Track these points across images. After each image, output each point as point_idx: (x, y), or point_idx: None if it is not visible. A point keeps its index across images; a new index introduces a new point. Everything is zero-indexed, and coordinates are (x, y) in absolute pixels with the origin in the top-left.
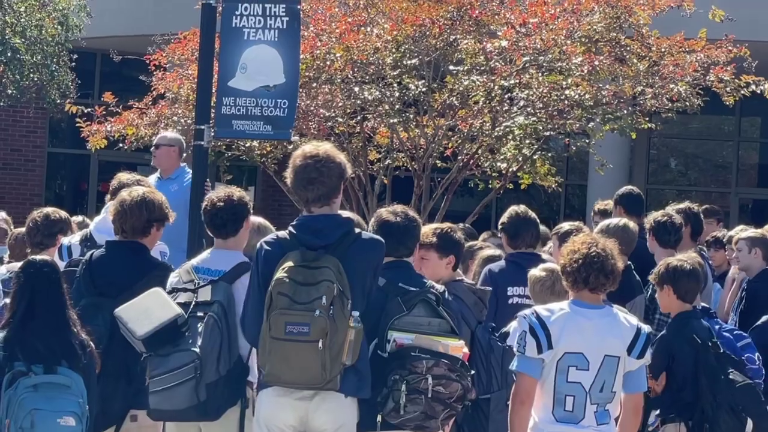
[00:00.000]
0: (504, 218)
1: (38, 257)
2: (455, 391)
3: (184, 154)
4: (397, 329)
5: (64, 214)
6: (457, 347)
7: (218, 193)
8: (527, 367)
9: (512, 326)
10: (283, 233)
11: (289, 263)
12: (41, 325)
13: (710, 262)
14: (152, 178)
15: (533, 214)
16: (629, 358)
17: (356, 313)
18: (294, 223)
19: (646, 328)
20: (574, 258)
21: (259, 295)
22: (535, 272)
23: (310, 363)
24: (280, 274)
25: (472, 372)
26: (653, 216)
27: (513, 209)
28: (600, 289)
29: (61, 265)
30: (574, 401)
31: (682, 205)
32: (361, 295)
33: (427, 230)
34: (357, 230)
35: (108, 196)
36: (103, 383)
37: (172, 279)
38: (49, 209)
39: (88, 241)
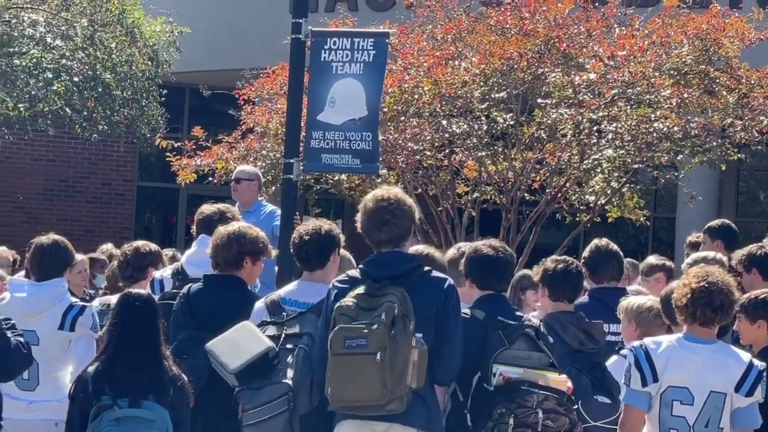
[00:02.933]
0: (586, 252)
1: (134, 291)
2: (563, 425)
3: (263, 189)
4: (503, 363)
5: (154, 247)
6: (561, 381)
7: (307, 225)
8: (633, 399)
9: (611, 361)
10: (353, 271)
11: (356, 291)
12: (130, 358)
13: None
14: None
15: (615, 247)
16: (737, 395)
17: (419, 335)
18: (365, 260)
19: (760, 365)
20: (684, 292)
21: (326, 331)
22: (641, 301)
23: (369, 377)
24: (345, 299)
25: (576, 406)
26: (749, 250)
27: (594, 243)
28: (709, 324)
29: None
30: None
31: None
32: (426, 325)
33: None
34: (427, 268)
35: (194, 228)
36: (205, 417)
37: (257, 307)
38: (139, 242)
39: (179, 275)
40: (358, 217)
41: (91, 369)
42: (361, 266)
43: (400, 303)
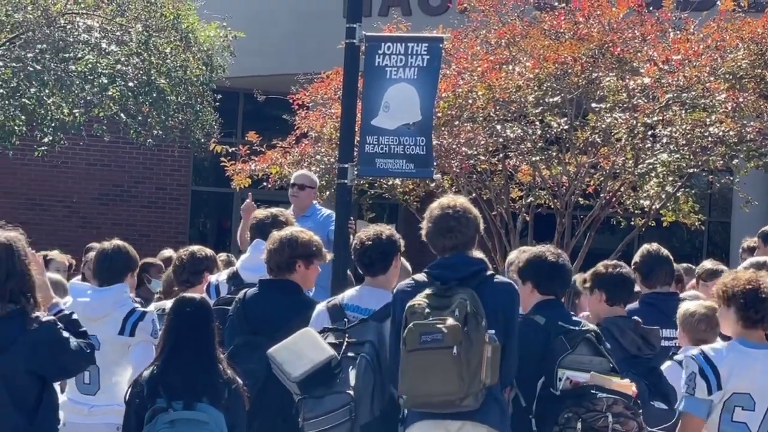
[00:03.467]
0: (636, 257)
1: (188, 295)
2: (631, 429)
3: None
4: (568, 367)
5: (209, 251)
6: (626, 385)
7: (368, 231)
8: (695, 408)
9: (665, 366)
10: (419, 276)
11: (425, 292)
12: (185, 362)
13: None
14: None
15: (666, 252)
16: None
17: (492, 331)
18: (429, 265)
19: None
20: (749, 297)
21: (397, 339)
22: (686, 306)
23: (447, 371)
24: (415, 298)
25: (641, 411)
26: None
27: (645, 247)
28: (754, 326)
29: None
30: None
31: None
32: (494, 327)
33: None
34: (490, 272)
35: (248, 234)
36: (261, 421)
37: (319, 310)
38: (195, 247)
39: (234, 279)
40: (423, 224)
41: (146, 373)
42: (426, 270)
43: (471, 302)
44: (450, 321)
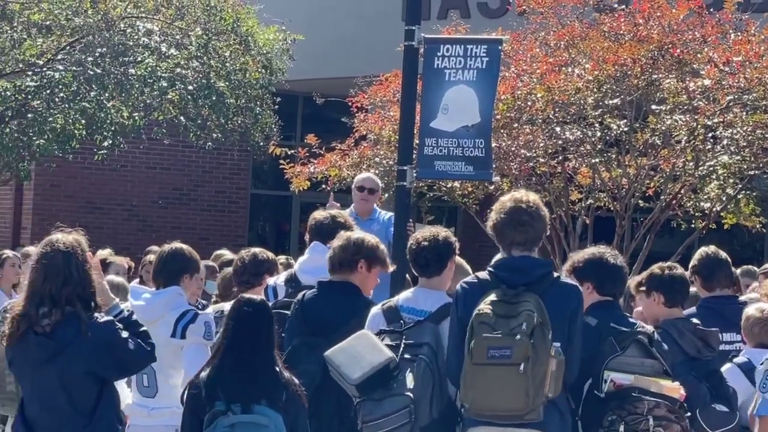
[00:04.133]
0: (695, 260)
1: (248, 296)
2: None
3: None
4: (614, 369)
5: (271, 254)
6: (674, 388)
7: (424, 232)
8: None
9: (724, 369)
10: (482, 274)
11: (491, 298)
12: (243, 364)
13: None
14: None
15: (724, 255)
16: None
17: (557, 344)
18: (493, 263)
19: None
20: None
21: (458, 335)
22: (753, 312)
23: (513, 387)
24: (481, 306)
25: (688, 414)
26: None
27: (703, 250)
28: None
29: None
30: None
31: None
32: (559, 331)
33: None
34: (556, 274)
35: (307, 236)
36: (317, 423)
37: (374, 312)
38: (257, 249)
39: (292, 282)
40: (492, 215)
41: (203, 374)
42: (490, 269)
43: (538, 312)
44: (518, 337)
